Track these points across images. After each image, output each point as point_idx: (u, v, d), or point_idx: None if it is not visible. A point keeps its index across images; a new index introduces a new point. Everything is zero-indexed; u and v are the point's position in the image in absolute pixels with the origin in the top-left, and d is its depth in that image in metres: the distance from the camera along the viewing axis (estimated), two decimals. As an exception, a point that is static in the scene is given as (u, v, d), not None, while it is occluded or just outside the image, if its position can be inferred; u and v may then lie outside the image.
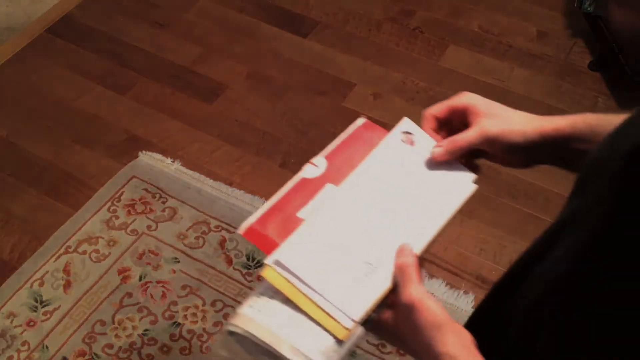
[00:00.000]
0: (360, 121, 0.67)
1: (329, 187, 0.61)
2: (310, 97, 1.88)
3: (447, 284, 1.47)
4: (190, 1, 2.17)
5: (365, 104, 1.85)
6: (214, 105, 1.88)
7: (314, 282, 0.54)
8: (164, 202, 1.64)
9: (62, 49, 2.05)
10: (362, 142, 0.66)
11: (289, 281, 0.54)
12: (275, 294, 0.54)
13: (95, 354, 1.40)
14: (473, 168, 0.66)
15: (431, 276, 1.49)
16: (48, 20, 2.11)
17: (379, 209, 0.60)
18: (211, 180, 1.68)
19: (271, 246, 0.57)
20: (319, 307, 0.53)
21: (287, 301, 0.54)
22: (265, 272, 0.55)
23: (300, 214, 0.59)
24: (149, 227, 1.59)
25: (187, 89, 1.92)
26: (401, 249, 0.57)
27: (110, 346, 1.41)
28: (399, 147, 0.65)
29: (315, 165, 0.63)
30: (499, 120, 0.62)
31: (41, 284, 1.51)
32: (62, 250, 1.56)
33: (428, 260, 1.52)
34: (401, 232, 0.59)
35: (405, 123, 0.66)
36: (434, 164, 0.64)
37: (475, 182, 0.64)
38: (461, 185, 0.64)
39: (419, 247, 0.58)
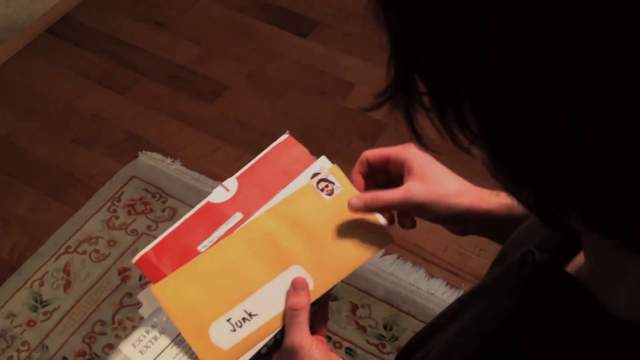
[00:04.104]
0: (283, 137, 0.64)
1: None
2: (310, 97, 1.88)
3: (447, 284, 1.47)
4: (190, 1, 2.17)
5: (365, 104, 1.85)
6: (214, 105, 1.88)
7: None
8: (164, 202, 1.64)
9: (62, 49, 2.04)
10: (279, 163, 0.62)
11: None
12: (164, 331, 0.53)
13: (95, 354, 1.40)
14: (404, 223, 0.62)
15: (431, 276, 1.49)
16: (48, 20, 2.11)
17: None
18: (211, 180, 1.68)
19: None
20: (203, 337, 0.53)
21: (174, 343, 0.53)
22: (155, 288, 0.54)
23: (201, 247, 0.57)
24: (149, 227, 1.59)
25: (187, 89, 1.92)
26: (295, 284, 0.55)
27: (110, 346, 1.41)
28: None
29: (226, 189, 0.59)
30: (429, 186, 0.57)
31: (41, 284, 1.51)
32: (62, 250, 1.56)
33: (428, 260, 1.52)
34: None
35: (323, 163, 0.62)
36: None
37: (385, 242, 0.61)
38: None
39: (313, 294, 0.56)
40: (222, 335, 0.53)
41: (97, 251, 1.56)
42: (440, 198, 0.57)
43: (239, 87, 1.92)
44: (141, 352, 0.52)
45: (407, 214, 0.62)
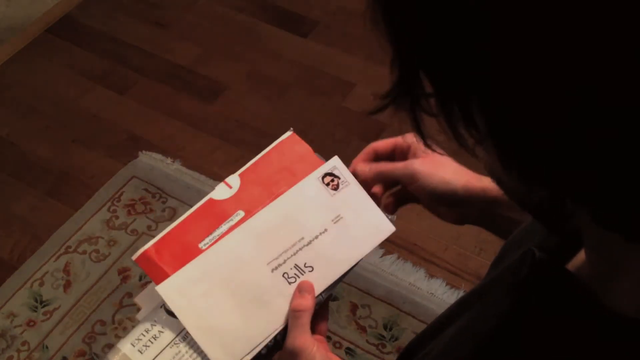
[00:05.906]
0: (287, 134, 0.63)
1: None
2: (310, 97, 1.88)
3: (447, 284, 1.47)
4: (190, 1, 2.17)
5: (366, 104, 1.85)
6: (214, 105, 1.88)
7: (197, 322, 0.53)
8: (164, 202, 1.64)
9: (62, 49, 2.04)
10: (282, 161, 0.61)
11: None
12: (163, 329, 0.53)
13: (95, 354, 1.40)
14: (391, 209, 0.64)
15: (431, 276, 1.49)
16: (48, 20, 2.11)
17: (283, 251, 0.57)
18: (211, 180, 1.68)
19: (163, 279, 0.54)
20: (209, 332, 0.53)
21: (174, 342, 0.52)
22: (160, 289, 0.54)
23: (202, 244, 0.56)
24: (149, 227, 1.59)
25: (187, 89, 1.92)
26: (301, 287, 0.56)
27: (111, 346, 1.41)
28: (318, 191, 0.60)
29: (228, 186, 0.59)
30: (430, 163, 0.61)
31: (41, 284, 1.51)
32: (62, 250, 1.56)
33: (428, 260, 1.52)
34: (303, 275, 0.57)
35: (333, 163, 0.62)
36: (353, 212, 0.60)
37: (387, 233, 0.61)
38: (376, 232, 0.60)
39: (320, 287, 0.56)
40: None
41: (97, 251, 1.56)
42: (440, 172, 0.60)
43: (239, 87, 1.92)
44: (140, 352, 0.52)
45: (396, 196, 0.65)
